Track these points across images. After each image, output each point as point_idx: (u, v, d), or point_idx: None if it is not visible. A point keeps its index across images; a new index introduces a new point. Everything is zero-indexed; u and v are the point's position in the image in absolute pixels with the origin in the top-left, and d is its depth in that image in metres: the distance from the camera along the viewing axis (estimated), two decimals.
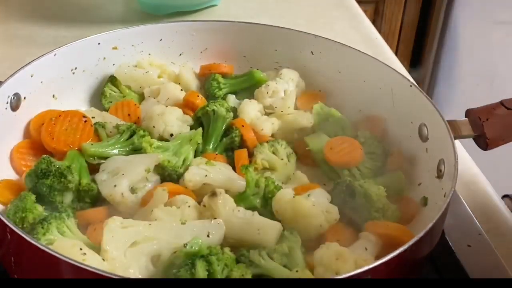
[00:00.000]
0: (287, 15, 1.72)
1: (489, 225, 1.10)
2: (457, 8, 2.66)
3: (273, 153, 1.11)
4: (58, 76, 1.18)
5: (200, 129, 1.13)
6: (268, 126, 1.16)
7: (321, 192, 1.00)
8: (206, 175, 1.02)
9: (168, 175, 1.06)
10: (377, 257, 0.89)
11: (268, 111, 1.21)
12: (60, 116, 1.11)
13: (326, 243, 0.91)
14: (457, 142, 1.02)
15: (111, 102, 1.22)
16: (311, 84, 1.27)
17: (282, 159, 1.11)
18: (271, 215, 0.97)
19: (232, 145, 1.14)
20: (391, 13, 2.77)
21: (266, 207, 0.99)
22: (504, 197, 1.19)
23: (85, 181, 1.02)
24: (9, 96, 1.07)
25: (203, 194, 0.98)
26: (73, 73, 1.21)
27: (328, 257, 0.88)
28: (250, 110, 1.18)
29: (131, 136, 1.10)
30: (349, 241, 0.95)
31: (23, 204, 0.94)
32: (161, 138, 1.13)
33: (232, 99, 1.24)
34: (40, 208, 0.95)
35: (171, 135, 1.13)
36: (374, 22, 2.66)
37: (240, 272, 0.84)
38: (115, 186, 0.99)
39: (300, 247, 0.92)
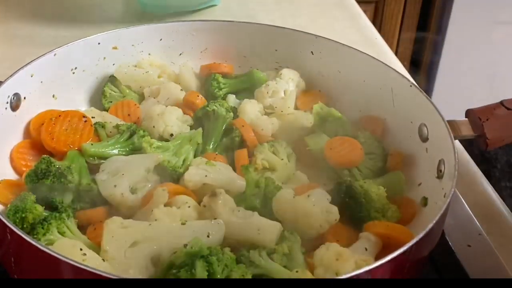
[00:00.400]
0: (287, 15, 1.72)
1: (489, 225, 1.10)
2: (457, 8, 2.66)
3: (273, 153, 1.11)
4: (58, 76, 1.18)
5: (200, 129, 1.13)
6: (268, 126, 1.16)
7: (321, 192, 1.00)
8: (206, 175, 1.02)
9: (168, 175, 1.06)
10: (377, 258, 0.90)
11: (268, 111, 1.21)
12: (60, 116, 1.11)
13: (326, 243, 0.91)
14: (457, 142, 1.02)
15: (111, 102, 1.22)
16: (311, 84, 1.27)
17: (282, 159, 1.11)
18: (271, 215, 0.97)
19: (232, 145, 1.14)
20: (391, 13, 2.77)
21: (266, 207, 0.99)
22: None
23: (85, 181, 1.02)
24: (9, 96, 1.07)
25: (203, 194, 0.98)
26: (73, 73, 1.21)
27: (328, 258, 0.88)
28: (250, 110, 1.18)
29: (131, 136, 1.10)
30: (349, 242, 0.95)
31: (23, 204, 0.94)
32: (161, 138, 1.13)
33: (232, 99, 1.24)
34: (40, 208, 0.95)
35: (171, 135, 1.13)
36: (374, 22, 2.66)
37: (240, 272, 0.84)
38: (115, 186, 0.99)
39: (300, 247, 0.92)
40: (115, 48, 1.25)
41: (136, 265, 0.86)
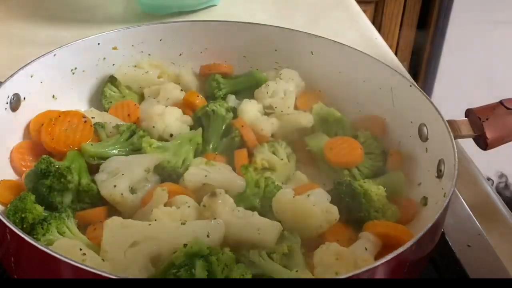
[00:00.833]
0: (287, 15, 1.72)
1: (489, 225, 1.09)
2: (457, 8, 2.67)
3: (273, 153, 1.11)
4: (58, 77, 1.18)
5: (200, 129, 1.13)
6: (268, 126, 1.16)
7: (321, 192, 1.00)
8: (206, 175, 1.02)
9: (168, 175, 1.06)
10: (377, 257, 0.90)
11: (268, 111, 1.20)
12: (60, 116, 1.11)
13: (326, 243, 0.91)
14: (457, 142, 1.02)
15: (111, 102, 1.22)
16: (311, 84, 1.27)
17: (282, 159, 1.11)
18: (271, 215, 0.97)
19: (232, 145, 1.14)
20: (391, 13, 2.76)
21: (266, 207, 0.99)
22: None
23: (85, 181, 1.02)
24: (9, 97, 1.07)
25: (203, 194, 0.98)
26: (73, 73, 1.21)
27: (328, 257, 0.88)
28: (250, 110, 1.18)
29: (131, 136, 1.10)
30: (349, 241, 0.95)
31: (23, 205, 0.94)
32: (161, 138, 1.13)
33: (232, 99, 1.24)
34: (40, 209, 0.95)
35: (171, 135, 1.13)
36: (374, 22, 2.66)
37: (240, 272, 0.84)
38: (115, 186, 0.99)
39: (300, 247, 0.92)
40: (115, 48, 1.25)
41: (136, 265, 0.86)
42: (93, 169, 1.05)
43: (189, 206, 0.96)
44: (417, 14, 2.81)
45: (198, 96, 1.21)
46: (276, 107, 1.20)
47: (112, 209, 1.00)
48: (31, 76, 1.11)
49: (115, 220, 0.90)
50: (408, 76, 1.38)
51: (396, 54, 1.72)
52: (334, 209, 0.97)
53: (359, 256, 0.89)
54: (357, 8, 1.82)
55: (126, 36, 1.25)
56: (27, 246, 0.80)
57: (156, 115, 1.14)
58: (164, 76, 1.27)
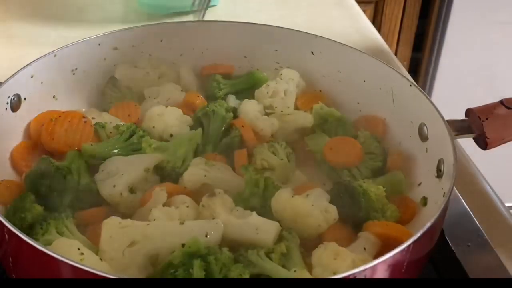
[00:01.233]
0: (287, 15, 1.72)
1: (489, 225, 1.09)
2: (457, 8, 2.66)
3: (273, 153, 1.11)
4: (59, 77, 1.18)
5: (199, 130, 1.13)
6: (268, 126, 1.16)
7: (320, 192, 1.00)
8: (205, 175, 1.02)
9: (167, 175, 1.06)
10: (376, 258, 0.89)
11: (268, 111, 1.20)
12: (60, 116, 1.11)
13: (325, 243, 0.91)
14: (456, 142, 1.02)
15: (111, 102, 1.22)
16: (311, 84, 1.27)
17: (281, 159, 1.10)
18: (270, 215, 0.97)
19: (232, 145, 1.14)
20: (391, 13, 2.76)
21: (265, 207, 0.99)
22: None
23: (84, 181, 1.02)
24: (9, 97, 1.07)
25: (202, 194, 0.98)
26: (74, 74, 1.21)
27: (327, 257, 0.88)
28: (250, 110, 1.18)
29: (130, 136, 1.10)
30: (348, 241, 0.95)
31: (22, 204, 0.94)
32: (161, 139, 1.13)
33: (232, 100, 1.24)
34: (39, 208, 0.95)
35: (171, 135, 1.13)
36: (374, 22, 2.66)
37: (237, 272, 0.84)
38: (114, 186, 0.99)
39: (298, 247, 0.92)
40: (115, 49, 1.25)
41: (134, 264, 0.86)
42: (93, 169, 1.05)
43: (188, 206, 0.96)
44: (417, 14, 2.80)
45: (198, 97, 1.21)
46: (276, 107, 1.20)
47: (111, 209, 1.00)
48: (32, 77, 1.12)
49: (113, 220, 0.90)
50: (408, 76, 1.38)
51: (396, 54, 1.71)
52: (333, 209, 0.97)
53: (357, 256, 0.88)
54: (357, 8, 1.82)
55: (127, 36, 1.25)
56: (25, 246, 0.80)
57: (156, 115, 1.14)
58: (164, 76, 1.27)
